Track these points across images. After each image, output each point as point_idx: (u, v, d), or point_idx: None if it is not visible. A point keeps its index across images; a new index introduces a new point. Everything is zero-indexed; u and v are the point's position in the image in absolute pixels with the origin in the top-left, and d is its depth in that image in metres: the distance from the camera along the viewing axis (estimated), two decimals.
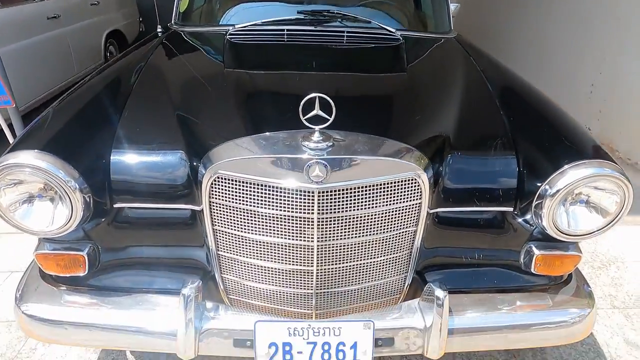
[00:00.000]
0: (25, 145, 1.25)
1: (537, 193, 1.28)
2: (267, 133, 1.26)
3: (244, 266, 1.35)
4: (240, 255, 1.34)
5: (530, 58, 4.93)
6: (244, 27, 2.22)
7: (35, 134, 1.34)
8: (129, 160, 1.33)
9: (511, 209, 1.36)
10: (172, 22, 2.58)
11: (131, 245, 1.41)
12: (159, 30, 2.49)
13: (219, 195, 1.25)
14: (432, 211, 1.33)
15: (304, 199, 1.18)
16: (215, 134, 1.33)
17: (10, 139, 2.79)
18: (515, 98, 1.70)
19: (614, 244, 2.61)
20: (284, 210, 1.21)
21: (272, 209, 1.22)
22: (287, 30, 2.17)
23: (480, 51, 2.28)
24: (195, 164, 1.29)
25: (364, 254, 1.32)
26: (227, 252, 1.35)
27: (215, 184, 1.24)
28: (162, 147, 1.34)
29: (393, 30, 2.24)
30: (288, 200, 1.20)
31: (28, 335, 1.43)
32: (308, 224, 1.22)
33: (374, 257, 1.34)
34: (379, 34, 2.22)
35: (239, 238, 1.30)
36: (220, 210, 1.28)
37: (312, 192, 1.17)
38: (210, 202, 1.27)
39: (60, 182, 1.20)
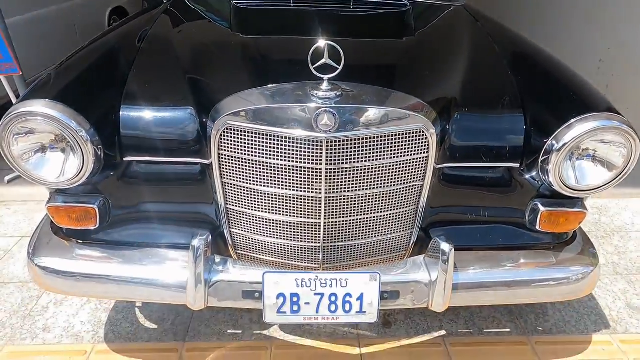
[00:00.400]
0: (37, 95, 1.26)
1: (544, 148, 1.29)
2: (276, 84, 1.26)
3: (252, 220, 1.37)
4: (248, 209, 1.35)
5: (537, 33, 4.86)
6: None
7: (46, 86, 1.35)
8: (139, 115, 1.34)
9: (517, 165, 1.37)
10: None
11: (141, 200, 1.43)
12: None
13: (228, 148, 1.26)
14: (438, 166, 1.34)
15: (312, 149, 1.19)
16: (224, 89, 1.34)
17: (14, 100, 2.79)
18: (523, 58, 1.69)
19: (618, 215, 2.62)
20: (292, 161, 1.23)
21: (280, 160, 1.23)
22: None
23: (488, 17, 2.26)
24: (204, 119, 1.30)
25: (371, 207, 1.33)
26: (236, 206, 1.37)
27: (224, 136, 1.25)
28: (171, 103, 1.35)
29: None
30: (296, 151, 1.21)
31: (42, 287, 1.46)
32: (316, 175, 1.23)
33: (381, 211, 1.35)
34: (386, 0, 2.21)
35: (246, 191, 1.32)
36: (228, 163, 1.29)
37: (321, 142, 1.18)
38: (219, 154, 1.28)
39: (72, 132, 1.21)
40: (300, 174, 1.24)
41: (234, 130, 1.24)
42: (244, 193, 1.33)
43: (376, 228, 1.38)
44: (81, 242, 1.45)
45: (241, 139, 1.24)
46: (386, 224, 1.39)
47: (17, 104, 1.24)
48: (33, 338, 1.73)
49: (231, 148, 1.26)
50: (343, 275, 1.31)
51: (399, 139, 1.24)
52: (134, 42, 1.70)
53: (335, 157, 1.21)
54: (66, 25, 4.30)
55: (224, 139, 1.26)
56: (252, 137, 1.23)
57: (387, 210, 1.36)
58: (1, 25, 2.47)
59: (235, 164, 1.28)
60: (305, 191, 1.27)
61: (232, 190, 1.34)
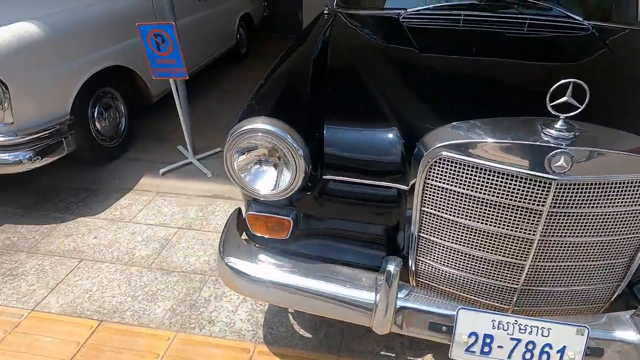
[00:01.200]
0: (255, 112, 1.34)
1: None
2: (503, 118, 1.22)
3: (445, 251, 1.34)
4: (444, 240, 1.32)
5: None
6: (418, 10, 2.20)
7: (260, 104, 1.44)
8: (342, 135, 1.37)
9: None
10: (334, 5, 2.62)
11: (328, 217, 1.47)
12: (325, 12, 2.55)
13: (437, 177, 1.24)
14: None
15: (538, 189, 1.13)
16: (434, 115, 1.32)
17: (178, 105, 3.06)
18: None
19: None
20: (510, 199, 1.17)
21: (496, 196, 1.18)
22: (464, 15, 2.11)
23: None
24: (410, 142, 1.30)
25: (584, 255, 1.23)
26: (430, 235, 1.34)
27: (434, 166, 1.23)
28: (375, 124, 1.37)
29: (580, 19, 2.07)
30: (517, 189, 1.15)
31: (228, 286, 1.55)
32: (534, 216, 1.17)
33: (593, 260, 1.25)
34: (565, 22, 2.07)
35: (447, 222, 1.29)
36: (434, 192, 1.27)
37: (549, 184, 1.11)
38: (425, 183, 1.27)
39: (290, 147, 1.27)
40: (516, 213, 1.18)
41: (448, 161, 1.21)
42: (444, 224, 1.30)
43: (583, 277, 1.28)
44: (269, 249, 1.52)
45: (455, 171, 1.21)
46: (595, 273, 1.28)
47: (239, 122, 1.33)
48: (200, 329, 1.87)
49: (441, 178, 1.24)
50: (546, 324, 1.23)
51: (633, 186, 1.13)
52: (319, 62, 1.76)
53: (562, 200, 1.13)
54: (207, 30, 4.66)
55: (435, 169, 1.24)
56: (468, 170, 1.19)
57: (600, 260, 1.25)
58: (177, 34, 2.71)
59: (442, 195, 1.26)
60: (516, 231, 1.21)
61: (430, 220, 1.32)
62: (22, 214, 2.64)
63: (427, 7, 2.20)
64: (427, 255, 1.39)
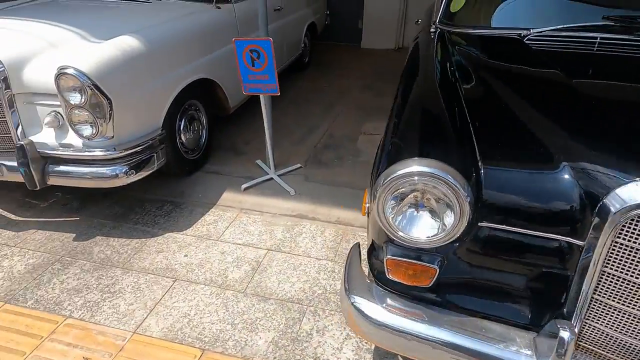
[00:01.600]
0: (405, 154, 1.23)
1: None
2: None
3: (628, 319, 1.17)
4: (629, 307, 1.15)
5: None
6: (544, 32, 2.03)
7: (406, 143, 1.32)
8: (504, 176, 1.23)
9: None
10: (437, 21, 2.49)
11: (479, 265, 1.33)
12: (432, 30, 2.42)
13: (632, 237, 1.08)
14: None
15: None
16: (618, 157, 1.16)
17: (265, 121, 3.00)
18: None
19: None
20: None
21: None
22: (600, 38, 1.92)
23: None
24: (588, 189, 1.14)
25: None
26: (609, 299, 1.17)
27: (631, 224, 1.07)
28: (543, 165, 1.21)
29: None
30: None
31: (350, 327, 1.44)
32: None
33: None
34: None
35: (635, 287, 1.12)
36: (624, 253, 1.10)
37: None
38: (614, 241, 1.10)
39: (453, 190, 1.15)
40: None
41: None
42: (632, 289, 1.13)
43: None
44: (403, 295, 1.40)
45: None
46: None
47: (391, 167, 1.21)
48: None
49: (637, 239, 1.07)
50: None
51: None
52: (446, 91, 1.63)
53: None
54: (279, 40, 4.62)
55: (629, 228, 1.07)
56: None
57: None
58: (274, 50, 2.65)
59: (636, 257, 1.09)
60: None
61: (613, 282, 1.15)
62: (112, 226, 2.65)
63: (555, 28, 2.02)
64: (599, 320, 1.22)
